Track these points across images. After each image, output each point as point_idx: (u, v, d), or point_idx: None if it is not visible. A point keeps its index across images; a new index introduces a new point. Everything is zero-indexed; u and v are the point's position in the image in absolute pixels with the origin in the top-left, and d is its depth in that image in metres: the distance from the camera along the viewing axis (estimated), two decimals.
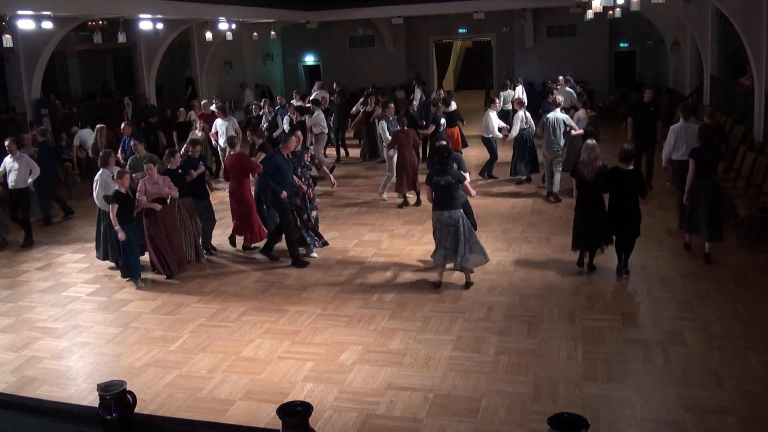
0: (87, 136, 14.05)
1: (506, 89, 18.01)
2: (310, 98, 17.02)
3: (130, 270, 8.62)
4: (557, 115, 11.76)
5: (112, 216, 8.31)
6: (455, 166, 8.21)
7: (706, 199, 8.34)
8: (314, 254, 9.45)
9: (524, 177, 13.14)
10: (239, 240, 10.07)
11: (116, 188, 8.37)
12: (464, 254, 7.88)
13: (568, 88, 16.59)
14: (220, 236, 10.36)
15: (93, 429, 2.36)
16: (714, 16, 15.41)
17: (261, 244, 9.72)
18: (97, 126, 13.51)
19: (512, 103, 15.28)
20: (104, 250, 9.37)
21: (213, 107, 15.65)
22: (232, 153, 10.07)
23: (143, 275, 8.81)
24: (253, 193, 9.85)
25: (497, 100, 14.24)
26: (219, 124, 13.95)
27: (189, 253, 9.36)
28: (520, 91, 17.56)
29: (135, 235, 8.57)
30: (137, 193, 8.51)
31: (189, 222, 9.42)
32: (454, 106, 14.42)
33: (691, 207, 8.54)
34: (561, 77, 17.79)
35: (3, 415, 2.52)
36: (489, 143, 13.49)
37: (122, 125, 12.89)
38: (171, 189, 8.76)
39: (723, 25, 15.38)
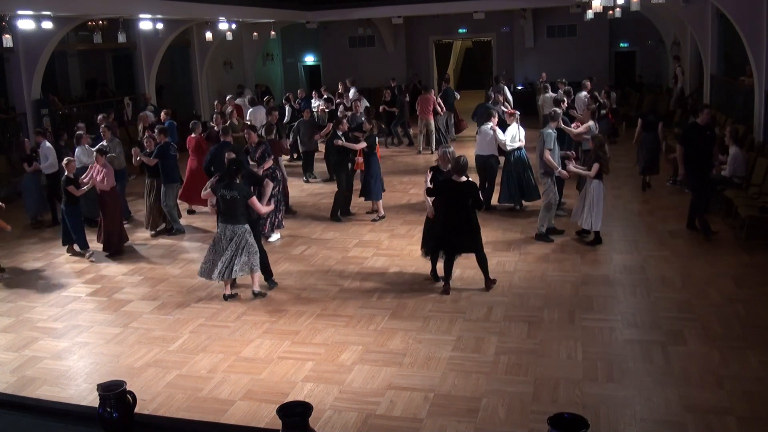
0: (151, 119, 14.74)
1: (547, 91, 16.24)
2: (351, 94, 17.91)
3: (80, 243, 9.94)
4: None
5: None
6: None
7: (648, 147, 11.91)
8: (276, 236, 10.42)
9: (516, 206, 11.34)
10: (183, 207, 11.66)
11: (66, 174, 9.69)
12: (233, 265, 7.81)
13: (585, 94, 14.95)
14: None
15: (93, 429, 2.35)
16: (714, 16, 15.41)
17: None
18: (141, 113, 14.41)
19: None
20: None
21: (237, 100, 16.98)
22: (194, 136, 11.88)
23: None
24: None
25: (495, 114, 11.45)
26: (251, 112, 15.79)
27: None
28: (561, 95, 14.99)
29: (80, 213, 9.99)
30: (86, 178, 9.92)
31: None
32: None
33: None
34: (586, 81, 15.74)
35: (3, 415, 2.52)
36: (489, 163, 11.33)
37: (162, 112, 14.27)
38: (102, 182, 9.80)
39: (723, 25, 15.38)
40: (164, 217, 11.10)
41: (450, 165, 8.01)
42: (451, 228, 7.76)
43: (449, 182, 7.79)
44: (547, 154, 9.39)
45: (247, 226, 7.89)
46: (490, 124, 11.13)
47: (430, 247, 8.35)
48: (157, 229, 11.10)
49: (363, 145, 11.04)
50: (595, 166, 9.05)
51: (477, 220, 7.92)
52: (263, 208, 8.24)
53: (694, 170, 9.33)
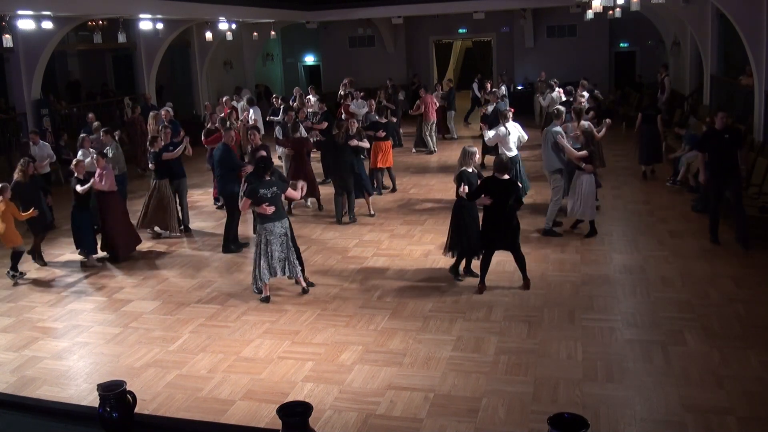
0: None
1: (553, 90, 16.34)
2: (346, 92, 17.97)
3: (84, 246, 9.71)
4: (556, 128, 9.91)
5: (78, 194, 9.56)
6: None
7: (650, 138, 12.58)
8: None
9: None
10: None
11: (75, 175, 9.56)
12: (294, 262, 7.93)
13: (584, 93, 14.87)
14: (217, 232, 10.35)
15: (93, 429, 2.36)
16: (714, 16, 15.42)
17: None
18: (151, 113, 14.16)
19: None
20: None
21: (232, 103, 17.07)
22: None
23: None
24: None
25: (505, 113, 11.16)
26: (252, 112, 15.87)
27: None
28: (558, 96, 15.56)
29: (89, 217, 9.75)
30: (95, 179, 9.55)
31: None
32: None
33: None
34: (584, 82, 16.02)
35: (3, 415, 2.52)
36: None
37: (163, 111, 14.04)
38: (100, 183, 9.52)
39: (723, 25, 15.39)
40: (165, 221, 10.75)
41: (473, 164, 8.18)
42: (493, 225, 7.77)
43: (494, 180, 7.77)
44: (570, 148, 9.55)
45: (288, 218, 8.06)
46: (506, 123, 10.87)
47: (461, 246, 8.20)
48: (178, 230, 10.92)
49: (366, 144, 11.19)
50: (584, 152, 9.36)
51: (517, 219, 7.92)
52: (297, 194, 8.57)
53: (717, 177, 9.01)
